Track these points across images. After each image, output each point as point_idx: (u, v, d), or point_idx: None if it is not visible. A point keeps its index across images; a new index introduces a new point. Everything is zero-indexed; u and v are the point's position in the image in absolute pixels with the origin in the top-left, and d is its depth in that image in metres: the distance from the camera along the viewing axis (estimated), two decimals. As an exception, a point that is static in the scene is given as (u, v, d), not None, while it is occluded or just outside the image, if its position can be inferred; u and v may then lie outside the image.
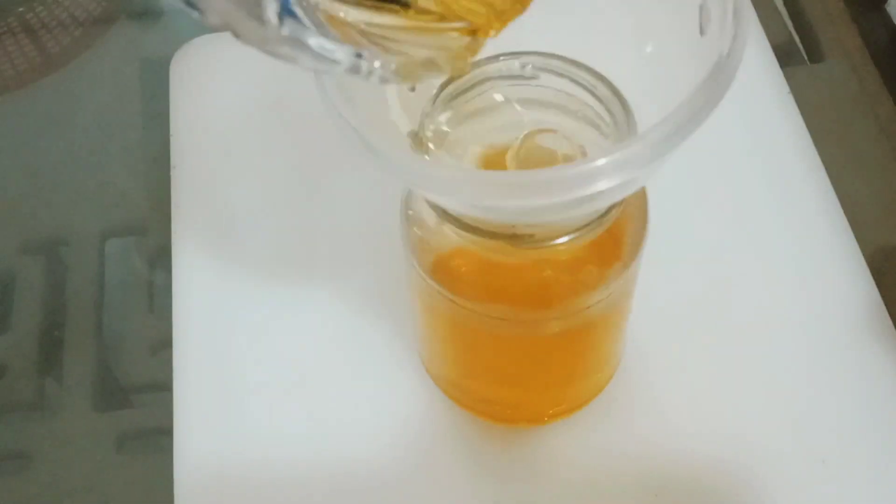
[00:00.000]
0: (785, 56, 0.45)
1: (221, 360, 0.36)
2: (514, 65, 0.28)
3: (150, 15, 0.51)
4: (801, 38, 0.47)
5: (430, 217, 0.27)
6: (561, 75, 0.28)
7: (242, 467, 0.34)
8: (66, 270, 0.42)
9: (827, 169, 0.40)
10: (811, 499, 0.33)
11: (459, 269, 0.28)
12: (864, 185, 0.42)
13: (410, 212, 0.29)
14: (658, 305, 0.36)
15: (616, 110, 0.27)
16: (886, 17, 0.47)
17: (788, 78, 0.42)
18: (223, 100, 0.43)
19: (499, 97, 0.29)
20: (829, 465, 0.33)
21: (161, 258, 0.40)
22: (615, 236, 0.28)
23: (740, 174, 0.40)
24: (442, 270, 0.28)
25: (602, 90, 0.27)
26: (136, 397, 0.39)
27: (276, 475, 0.34)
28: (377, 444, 0.34)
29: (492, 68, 0.28)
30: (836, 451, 0.34)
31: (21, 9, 0.50)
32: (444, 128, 0.28)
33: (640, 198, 0.29)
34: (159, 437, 0.36)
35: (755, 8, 0.45)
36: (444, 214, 0.26)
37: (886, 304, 0.37)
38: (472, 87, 0.28)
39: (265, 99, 0.43)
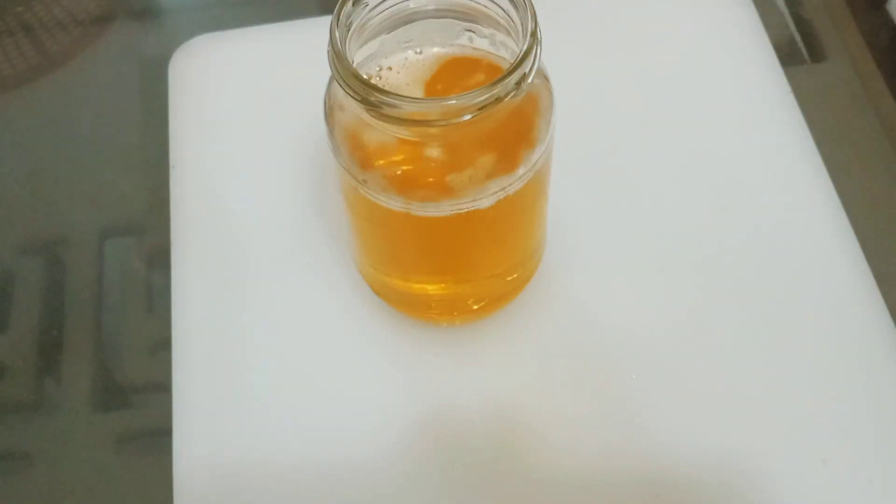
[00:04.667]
0: (786, 55, 0.45)
1: (220, 361, 0.36)
2: None
3: (149, 14, 0.51)
4: (802, 37, 0.47)
5: (348, 102, 0.28)
6: None
7: (241, 467, 0.34)
8: (64, 270, 0.42)
9: (828, 168, 0.40)
10: (811, 499, 0.33)
11: (370, 153, 0.30)
12: (865, 184, 0.42)
13: (331, 101, 0.30)
14: (656, 313, 0.37)
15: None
16: (887, 16, 0.47)
17: (790, 77, 0.42)
18: (222, 99, 0.43)
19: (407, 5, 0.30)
20: (829, 465, 0.33)
21: (160, 258, 0.40)
22: (521, 126, 0.30)
23: (741, 173, 0.40)
24: (358, 155, 0.30)
25: None
26: (135, 397, 0.39)
27: (274, 475, 0.34)
28: (377, 444, 0.34)
29: None
30: (836, 451, 0.34)
31: (20, 8, 0.50)
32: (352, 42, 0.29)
33: (546, 98, 0.30)
34: (159, 437, 0.36)
35: (756, 8, 0.45)
36: (356, 95, 0.27)
37: (886, 304, 0.37)
38: None
39: (264, 98, 0.43)
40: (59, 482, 0.37)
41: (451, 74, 0.31)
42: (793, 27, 0.47)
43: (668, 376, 0.35)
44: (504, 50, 0.31)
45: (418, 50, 0.31)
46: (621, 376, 0.35)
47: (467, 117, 0.27)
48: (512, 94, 0.27)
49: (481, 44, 0.31)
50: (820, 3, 0.48)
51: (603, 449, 0.34)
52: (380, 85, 0.30)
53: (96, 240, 0.42)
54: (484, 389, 0.35)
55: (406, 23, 0.31)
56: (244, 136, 0.42)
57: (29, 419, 0.38)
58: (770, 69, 0.43)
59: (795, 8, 0.48)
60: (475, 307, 0.36)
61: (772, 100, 0.42)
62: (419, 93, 0.31)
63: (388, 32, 0.31)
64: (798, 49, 0.47)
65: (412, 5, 0.30)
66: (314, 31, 0.46)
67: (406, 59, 0.31)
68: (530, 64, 0.28)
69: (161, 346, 0.38)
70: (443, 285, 0.35)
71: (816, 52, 0.47)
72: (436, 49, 0.31)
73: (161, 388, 0.37)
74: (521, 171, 0.30)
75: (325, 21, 0.47)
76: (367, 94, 0.27)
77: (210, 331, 0.37)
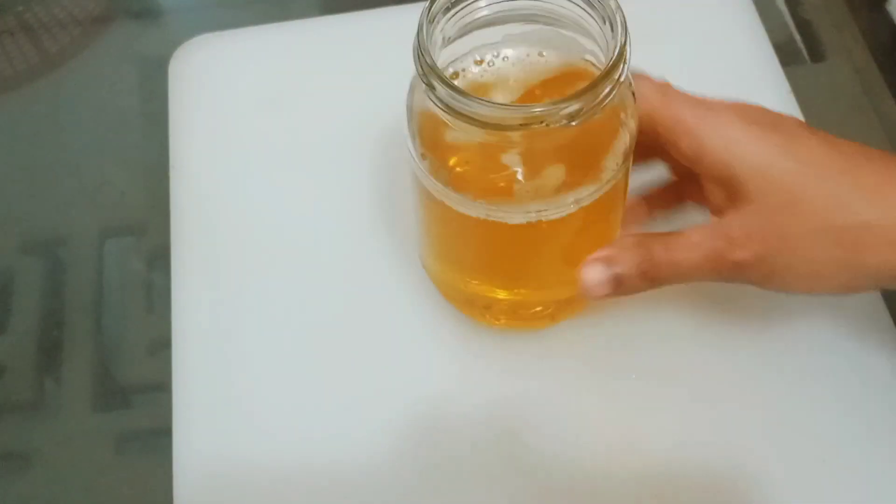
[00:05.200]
0: (786, 55, 0.45)
1: (220, 361, 0.36)
2: None
3: (149, 14, 0.51)
4: (802, 37, 0.47)
5: (428, 104, 0.28)
6: None
7: (241, 467, 0.34)
8: (64, 271, 0.42)
9: (827, 168, 0.40)
10: (811, 499, 0.33)
11: (455, 160, 0.30)
12: (865, 184, 0.42)
13: (414, 104, 0.30)
14: (659, 313, 0.37)
15: (609, 15, 0.28)
16: (887, 16, 0.47)
17: (790, 77, 0.42)
18: (222, 99, 0.43)
19: (490, 11, 0.30)
20: (829, 465, 0.33)
21: (160, 258, 0.40)
22: (601, 138, 0.30)
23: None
24: (438, 159, 0.30)
25: None
26: (135, 397, 0.39)
27: (274, 475, 0.34)
28: (376, 445, 0.34)
29: None
30: (836, 451, 0.34)
31: (20, 8, 0.50)
32: (441, 41, 0.29)
33: (627, 106, 0.30)
34: (159, 437, 0.36)
35: (756, 8, 0.45)
36: (441, 104, 0.27)
37: (886, 305, 0.37)
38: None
39: (264, 98, 0.43)
40: (59, 482, 0.37)
41: (557, 82, 0.31)
42: (793, 27, 0.47)
43: (668, 375, 0.35)
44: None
45: (541, 53, 0.31)
46: (621, 376, 0.35)
47: (542, 126, 0.27)
48: (578, 121, 0.27)
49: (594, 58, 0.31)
50: (820, 3, 0.48)
51: (603, 449, 0.34)
52: (489, 72, 0.31)
53: (96, 240, 0.42)
54: (481, 386, 0.35)
55: (526, 23, 0.31)
56: (244, 135, 0.42)
57: (29, 419, 0.38)
58: (770, 69, 0.43)
59: (795, 8, 0.48)
60: (542, 311, 0.35)
61: (772, 100, 0.42)
62: (519, 91, 0.31)
63: (507, 27, 0.31)
64: (798, 49, 0.47)
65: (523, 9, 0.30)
66: (314, 31, 0.46)
67: (525, 56, 0.31)
68: (604, 94, 0.27)
69: (161, 346, 0.38)
70: (507, 291, 0.35)
71: (816, 52, 0.47)
72: (554, 56, 0.31)
73: (161, 388, 0.37)
74: (592, 187, 0.29)
75: (324, 21, 0.47)
76: (431, 78, 0.27)
77: (210, 331, 0.37)
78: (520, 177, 0.29)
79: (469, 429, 0.35)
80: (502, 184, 0.29)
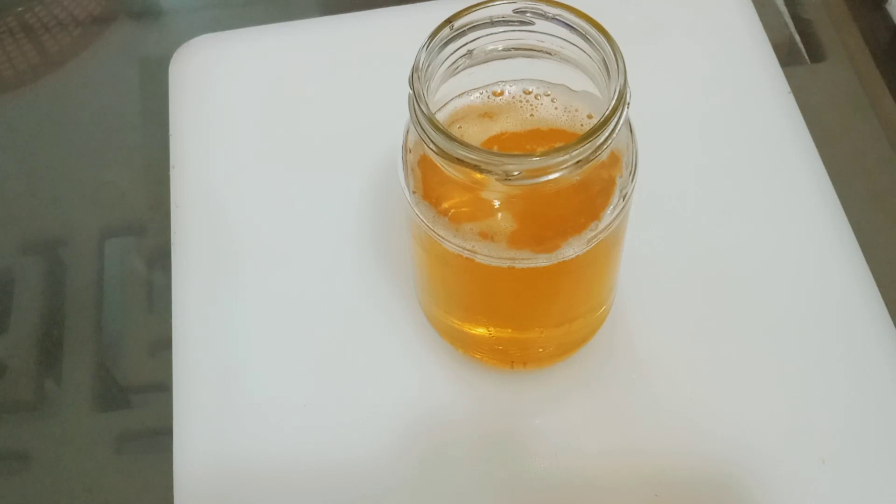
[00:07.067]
0: (786, 55, 0.45)
1: (220, 361, 0.36)
2: (507, 10, 0.28)
3: (150, 14, 0.51)
4: (801, 37, 0.47)
5: (425, 150, 0.27)
6: (553, 19, 0.28)
7: (241, 467, 0.34)
8: (65, 270, 0.42)
9: (827, 168, 0.40)
10: (811, 499, 0.33)
11: (448, 203, 0.28)
12: (865, 184, 0.42)
13: (409, 146, 0.29)
14: (663, 313, 0.37)
15: (606, 53, 0.27)
16: (887, 16, 0.47)
17: (789, 77, 0.42)
18: (222, 99, 0.43)
19: (490, 45, 0.29)
20: (829, 464, 0.33)
21: (160, 258, 0.40)
22: (603, 183, 0.29)
23: (741, 173, 0.40)
24: (433, 202, 0.29)
25: (594, 34, 0.28)
26: (135, 397, 0.39)
27: (274, 475, 0.34)
28: (375, 445, 0.34)
29: (483, 14, 0.28)
30: (836, 450, 0.34)
31: (20, 8, 0.50)
32: (436, 79, 0.28)
33: (628, 147, 0.29)
34: (159, 437, 0.36)
35: (756, 8, 0.45)
36: (437, 149, 0.26)
37: (886, 304, 0.37)
38: (463, 33, 0.28)
39: (264, 98, 0.43)
40: (59, 482, 0.37)
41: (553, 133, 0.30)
42: (793, 27, 0.47)
43: (668, 375, 0.35)
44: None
45: (547, 93, 0.30)
46: (621, 376, 0.35)
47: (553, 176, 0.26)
48: (577, 171, 0.26)
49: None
50: (820, 3, 0.48)
51: (603, 449, 0.34)
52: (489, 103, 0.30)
53: (96, 240, 0.42)
54: (477, 391, 0.35)
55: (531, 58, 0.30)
56: (244, 135, 0.42)
57: (29, 419, 0.38)
58: (770, 69, 0.43)
59: (795, 8, 0.48)
60: (539, 350, 0.35)
61: (771, 100, 0.42)
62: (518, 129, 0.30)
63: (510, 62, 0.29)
64: (798, 49, 0.47)
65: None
66: (314, 31, 0.46)
67: (523, 93, 0.30)
68: (602, 141, 0.26)
69: (161, 346, 0.38)
70: (502, 328, 0.34)
71: (816, 52, 0.47)
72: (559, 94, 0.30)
73: (161, 388, 0.37)
74: (587, 234, 0.28)
75: (324, 21, 0.47)
76: (426, 127, 0.26)
77: (210, 331, 0.37)
78: (512, 222, 0.28)
79: (463, 430, 0.35)
80: (493, 227, 0.28)
